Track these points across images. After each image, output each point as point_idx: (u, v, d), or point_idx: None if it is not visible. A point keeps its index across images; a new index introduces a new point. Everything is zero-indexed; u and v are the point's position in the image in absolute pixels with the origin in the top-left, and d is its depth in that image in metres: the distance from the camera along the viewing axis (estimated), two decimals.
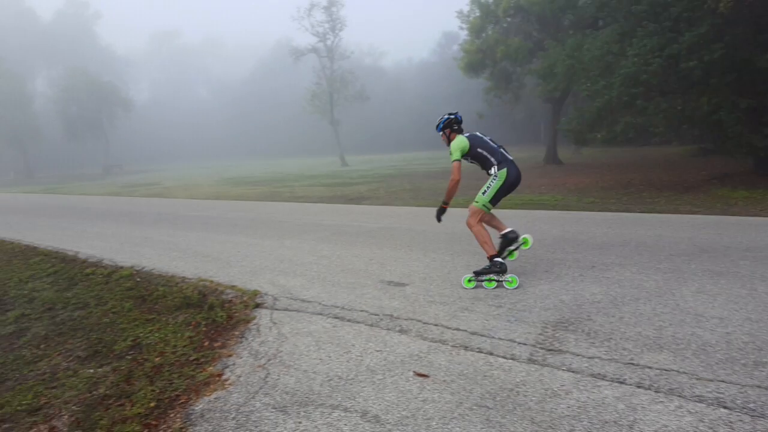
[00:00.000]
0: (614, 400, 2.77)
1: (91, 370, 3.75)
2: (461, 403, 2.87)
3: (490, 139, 5.19)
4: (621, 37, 14.09)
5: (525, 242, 5.17)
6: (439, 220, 5.29)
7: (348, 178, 25.44)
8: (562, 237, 7.14)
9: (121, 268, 6.87)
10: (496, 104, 29.99)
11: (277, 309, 4.78)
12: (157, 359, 3.81)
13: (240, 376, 3.43)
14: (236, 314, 4.69)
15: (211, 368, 3.59)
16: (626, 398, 2.78)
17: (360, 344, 3.81)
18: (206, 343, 4.08)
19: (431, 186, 17.53)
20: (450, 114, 5.30)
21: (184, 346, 4.01)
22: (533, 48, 25.67)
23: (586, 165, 23.81)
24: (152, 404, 3.15)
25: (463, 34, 29.72)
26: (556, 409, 2.73)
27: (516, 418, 2.67)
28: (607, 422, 2.57)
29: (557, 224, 8.22)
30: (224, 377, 3.44)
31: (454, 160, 4.98)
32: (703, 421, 2.53)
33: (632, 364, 3.16)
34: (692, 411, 2.62)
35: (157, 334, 4.31)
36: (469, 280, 5.00)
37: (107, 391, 3.38)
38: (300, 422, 2.81)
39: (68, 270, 6.98)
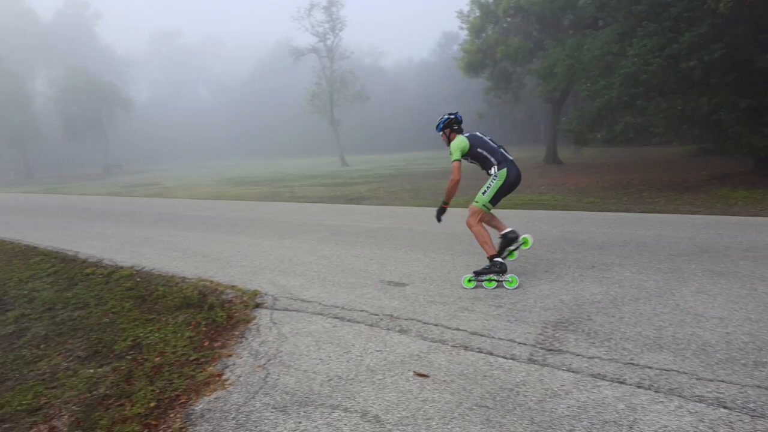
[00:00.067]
0: (614, 400, 2.77)
1: (91, 370, 3.75)
2: (461, 403, 2.87)
3: (490, 139, 5.19)
4: (621, 37, 14.09)
5: (525, 242, 5.17)
6: (439, 220, 5.29)
7: (348, 178, 25.45)
8: (562, 237, 7.14)
9: (121, 268, 6.87)
10: (496, 104, 29.99)
11: (277, 309, 4.78)
12: (157, 359, 3.81)
13: (240, 376, 3.43)
14: (236, 314, 4.69)
15: (211, 368, 3.59)
16: (626, 398, 2.78)
17: (360, 344, 3.81)
18: (206, 343, 4.08)
19: (431, 186, 17.52)
20: (450, 114, 5.30)
21: (184, 346, 4.01)
22: (533, 48, 25.68)
23: (586, 165, 23.81)
24: (152, 404, 3.15)
25: (463, 34, 29.75)
26: (556, 409, 2.73)
27: (516, 418, 2.67)
28: (607, 422, 2.57)
29: (557, 224, 8.22)
30: (224, 377, 3.44)
31: (454, 160, 4.98)
32: (703, 421, 2.53)
33: (632, 364, 3.16)
34: (692, 411, 2.62)
35: (157, 334, 4.31)
36: (469, 280, 5.00)
37: (107, 391, 3.38)
38: (300, 422, 2.81)
39: (68, 270, 6.98)
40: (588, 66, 15.20)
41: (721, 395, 2.75)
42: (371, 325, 4.17)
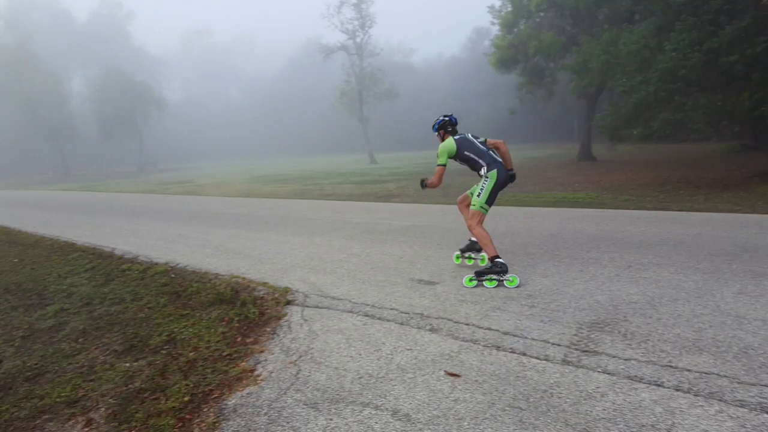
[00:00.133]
0: (651, 404, 2.70)
1: (127, 364, 3.83)
2: (493, 403, 2.83)
3: (481, 142, 5.35)
4: (658, 31, 13.76)
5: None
6: (422, 186, 5.76)
7: (377, 175, 25.45)
8: (596, 235, 7.00)
9: (156, 264, 7.00)
10: (529, 100, 29.50)
11: (307, 306, 4.81)
12: (191, 354, 3.87)
13: (272, 372, 3.46)
14: (268, 311, 4.73)
15: (243, 364, 3.63)
16: (664, 401, 2.71)
17: (390, 342, 3.80)
18: (239, 339, 4.12)
19: (461, 183, 17.32)
20: (445, 116, 5.65)
21: (218, 342, 4.06)
22: (567, 43, 25.20)
23: (622, 162, 23.32)
24: (186, 398, 3.19)
25: (495, 30, 29.24)
26: (591, 411, 2.67)
27: (550, 420, 2.62)
28: (644, 426, 2.51)
29: (592, 222, 8.08)
30: (256, 373, 3.48)
31: (439, 165, 5.32)
32: (744, 427, 2.45)
33: (670, 366, 3.08)
34: (733, 416, 2.54)
35: (191, 330, 4.38)
36: (471, 280, 5.04)
37: (143, 385, 3.44)
38: (331, 419, 2.81)
39: (105, 266, 7.15)
40: (624, 61, 14.88)
41: (764, 400, 2.65)
42: (402, 324, 4.16)
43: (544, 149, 37.83)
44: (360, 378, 3.26)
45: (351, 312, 4.55)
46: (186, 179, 34.92)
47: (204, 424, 2.91)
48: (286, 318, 4.52)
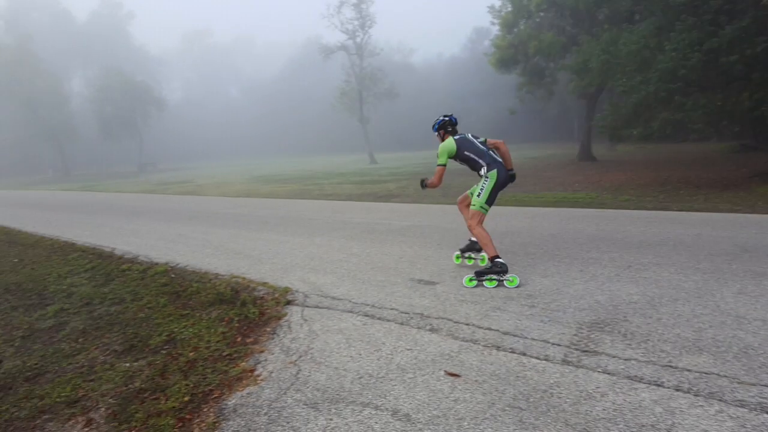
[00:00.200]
0: (651, 404, 2.70)
1: (127, 364, 3.83)
2: (493, 403, 2.83)
3: (481, 142, 5.35)
4: (658, 31, 13.76)
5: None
6: (422, 186, 5.76)
7: (377, 175, 25.44)
8: (596, 235, 7.01)
9: (156, 264, 7.00)
10: (529, 100, 29.48)
11: (307, 306, 4.81)
12: (191, 354, 3.87)
13: (272, 372, 3.46)
14: (268, 311, 4.73)
15: (243, 364, 3.63)
16: (664, 401, 2.71)
17: (390, 342, 3.80)
18: (239, 339, 4.12)
19: (461, 183, 17.33)
20: (445, 116, 5.65)
21: (218, 342, 4.06)
22: (567, 43, 25.19)
23: (621, 162, 23.31)
24: (186, 398, 3.19)
25: (495, 30, 29.26)
26: (591, 411, 2.68)
27: (550, 420, 2.62)
28: (644, 426, 2.51)
29: (592, 222, 8.08)
30: (256, 373, 3.48)
31: (439, 165, 5.32)
32: (745, 427, 2.45)
33: (670, 366, 3.08)
34: (733, 416, 2.54)
35: (191, 330, 4.38)
36: (471, 279, 5.04)
37: (143, 385, 3.44)
38: (331, 419, 2.82)
39: (105, 266, 7.15)
40: (624, 61, 14.88)
41: (764, 400, 2.66)
42: (402, 324, 4.16)
43: (544, 149, 37.81)
44: (360, 378, 3.26)
45: (351, 312, 4.55)
46: (186, 179, 34.91)
47: (204, 424, 2.91)
48: (286, 318, 4.52)
